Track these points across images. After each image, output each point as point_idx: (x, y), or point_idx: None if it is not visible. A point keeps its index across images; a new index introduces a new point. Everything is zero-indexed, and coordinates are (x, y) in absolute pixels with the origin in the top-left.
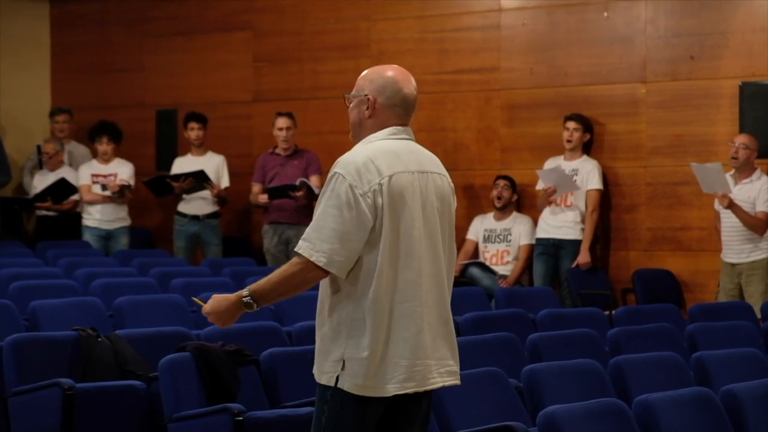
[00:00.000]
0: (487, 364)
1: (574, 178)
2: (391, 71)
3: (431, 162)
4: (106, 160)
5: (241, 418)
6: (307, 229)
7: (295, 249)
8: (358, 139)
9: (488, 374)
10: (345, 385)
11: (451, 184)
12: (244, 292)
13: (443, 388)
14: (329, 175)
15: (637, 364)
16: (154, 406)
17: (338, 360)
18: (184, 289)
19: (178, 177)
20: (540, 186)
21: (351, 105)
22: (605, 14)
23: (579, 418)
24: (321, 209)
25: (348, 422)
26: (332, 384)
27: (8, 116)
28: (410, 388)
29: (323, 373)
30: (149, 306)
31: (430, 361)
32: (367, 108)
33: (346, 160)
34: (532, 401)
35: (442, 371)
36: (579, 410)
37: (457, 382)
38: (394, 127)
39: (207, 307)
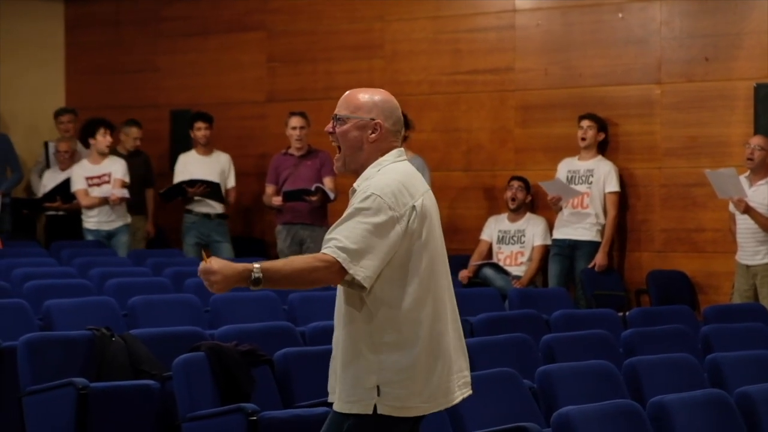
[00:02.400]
0: (500, 364)
1: (589, 179)
2: (386, 95)
3: (425, 181)
4: (101, 155)
5: (254, 418)
6: (341, 238)
7: (330, 253)
8: (351, 165)
9: (502, 375)
10: (384, 410)
11: None
12: (255, 266)
13: None
14: (364, 194)
15: (651, 365)
16: (168, 406)
17: (372, 386)
18: (198, 289)
19: (194, 183)
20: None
21: (345, 126)
22: (620, 15)
23: (593, 419)
24: (356, 222)
25: None
26: (369, 412)
27: (22, 116)
28: (441, 406)
29: (354, 402)
30: (163, 306)
31: (453, 376)
32: (373, 132)
33: (379, 184)
34: (546, 402)
35: (460, 383)
36: (593, 411)
37: (470, 391)
38: (398, 150)
39: (216, 265)
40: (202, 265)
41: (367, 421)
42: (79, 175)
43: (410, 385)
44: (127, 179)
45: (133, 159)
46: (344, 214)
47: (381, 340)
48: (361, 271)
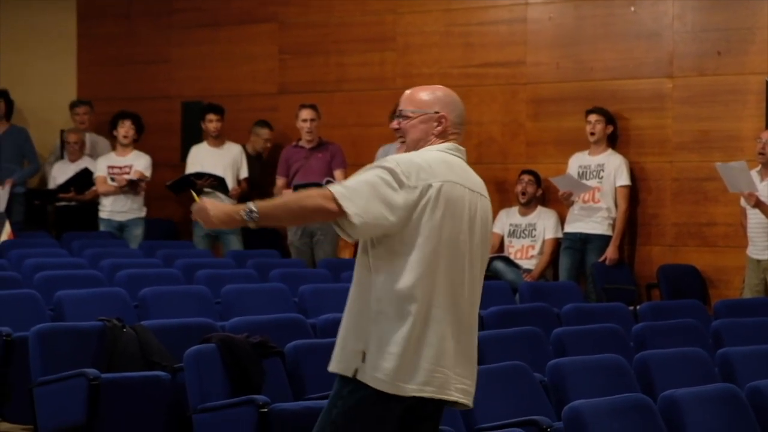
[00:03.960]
0: (511, 358)
1: (599, 174)
2: (448, 90)
3: (481, 186)
4: (125, 146)
5: (265, 410)
6: (346, 181)
7: (329, 187)
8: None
9: (513, 368)
10: (365, 377)
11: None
12: (249, 203)
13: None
14: (384, 160)
15: (662, 359)
16: (179, 397)
17: (359, 351)
18: (209, 280)
19: (201, 175)
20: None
21: (413, 121)
22: (632, 9)
23: (604, 413)
24: (364, 174)
25: (361, 420)
26: (349, 374)
27: (34, 108)
28: (428, 393)
29: (339, 362)
30: (174, 297)
31: (449, 372)
32: (438, 125)
33: (403, 157)
34: (556, 396)
35: (458, 387)
36: (604, 405)
37: (470, 404)
38: (452, 144)
39: (208, 202)
40: (195, 205)
41: (355, 391)
42: (103, 163)
43: (392, 360)
44: (147, 173)
45: (254, 160)
46: (365, 168)
47: (375, 308)
48: (353, 206)
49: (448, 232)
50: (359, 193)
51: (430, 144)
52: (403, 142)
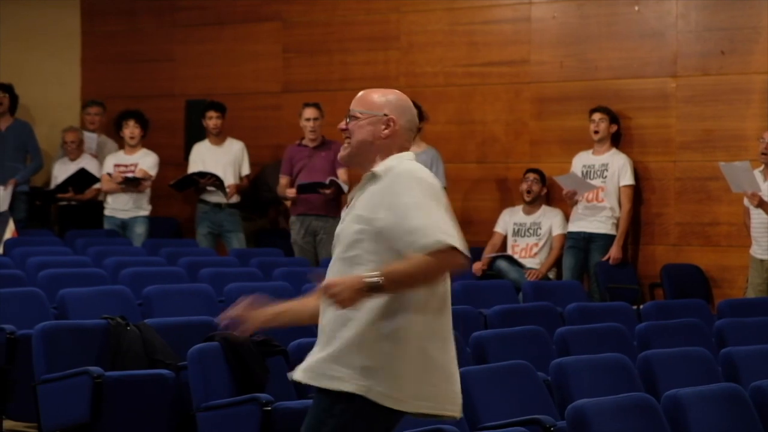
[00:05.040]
0: (514, 357)
1: (603, 173)
2: (400, 94)
3: None
4: (133, 147)
5: (269, 408)
6: (413, 223)
7: (416, 246)
8: (358, 158)
9: (516, 367)
10: (371, 394)
11: None
12: (374, 277)
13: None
14: (396, 175)
15: (665, 359)
16: (183, 396)
17: (366, 367)
18: (213, 278)
19: (204, 174)
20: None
21: (360, 122)
22: (636, 8)
23: (608, 412)
24: (417, 201)
25: None
26: (351, 390)
27: (38, 106)
28: (425, 409)
29: (335, 378)
30: (178, 295)
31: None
32: (386, 128)
33: (410, 168)
34: (560, 395)
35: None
36: (608, 404)
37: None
38: (411, 153)
39: (332, 279)
40: (325, 287)
41: (348, 404)
42: (110, 162)
43: (404, 376)
44: (151, 173)
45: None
46: (401, 193)
47: (386, 323)
48: (452, 239)
49: None
50: (456, 232)
51: (379, 150)
52: (349, 144)
